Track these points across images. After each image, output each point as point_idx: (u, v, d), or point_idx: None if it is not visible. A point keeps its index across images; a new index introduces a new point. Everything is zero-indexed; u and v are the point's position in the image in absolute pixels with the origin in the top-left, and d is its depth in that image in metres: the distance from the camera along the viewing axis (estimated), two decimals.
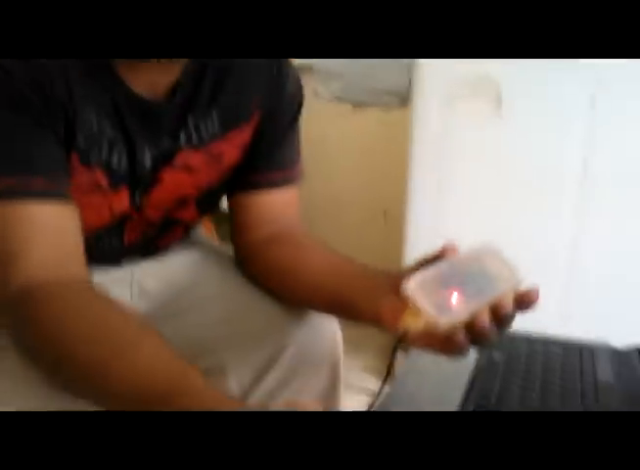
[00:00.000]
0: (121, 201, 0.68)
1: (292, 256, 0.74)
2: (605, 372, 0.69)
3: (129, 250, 0.75)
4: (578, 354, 0.73)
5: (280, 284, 0.74)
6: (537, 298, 0.52)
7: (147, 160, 0.67)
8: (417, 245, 1.29)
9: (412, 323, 0.49)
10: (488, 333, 0.50)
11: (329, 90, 1.57)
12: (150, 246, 0.78)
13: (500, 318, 0.51)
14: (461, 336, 0.50)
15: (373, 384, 1.33)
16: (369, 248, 1.53)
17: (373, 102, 1.54)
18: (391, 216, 1.62)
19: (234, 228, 0.79)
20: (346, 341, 0.80)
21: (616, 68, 1.09)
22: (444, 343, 0.51)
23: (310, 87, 1.58)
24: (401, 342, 0.50)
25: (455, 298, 0.49)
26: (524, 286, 0.52)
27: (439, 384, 0.68)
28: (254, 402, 0.73)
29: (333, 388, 0.77)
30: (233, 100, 0.70)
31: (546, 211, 1.19)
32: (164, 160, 0.69)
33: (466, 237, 0.55)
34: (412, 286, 0.49)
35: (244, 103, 0.71)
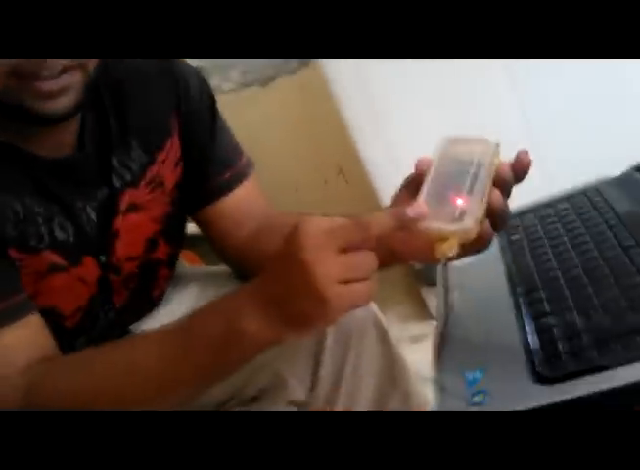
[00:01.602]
0: (89, 270, 0.65)
1: (276, 234, 0.72)
2: (620, 203, 0.68)
3: (127, 314, 0.72)
4: (586, 199, 0.73)
5: None
6: (530, 159, 0.51)
7: (92, 218, 0.64)
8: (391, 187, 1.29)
9: (448, 248, 0.47)
10: (506, 211, 0.50)
11: (230, 81, 1.53)
12: (145, 301, 0.75)
13: (505, 190, 0.50)
14: (487, 228, 0.50)
15: (417, 329, 1.32)
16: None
17: (278, 73, 1.51)
18: (348, 172, 1.60)
19: (214, 243, 0.77)
20: None
21: None
22: (474, 243, 0.50)
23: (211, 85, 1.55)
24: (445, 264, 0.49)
25: (463, 200, 0.48)
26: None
27: (481, 282, 0.67)
28: (323, 395, 0.72)
29: (388, 351, 0.75)
30: (144, 121, 0.68)
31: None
32: (110, 209, 0.66)
33: None
34: (423, 216, 0.47)
35: (155, 119, 0.69)
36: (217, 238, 0.76)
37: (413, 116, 1.23)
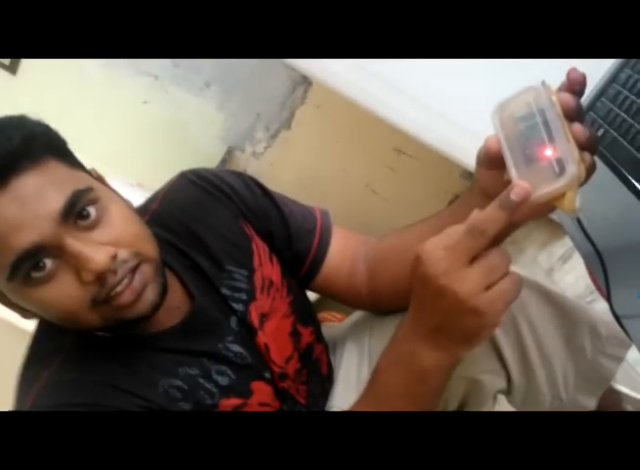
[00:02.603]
0: (263, 391, 0.68)
1: (393, 261, 0.72)
2: None
3: (314, 401, 0.75)
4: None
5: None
6: (581, 73, 0.49)
7: (236, 349, 0.67)
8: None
9: (571, 202, 0.46)
10: (593, 135, 0.47)
11: (260, 141, 1.58)
12: (321, 382, 0.78)
13: (579, 115, 0.48)
14: (588, 159, 0.47)
15: (561, 248, 1.26)
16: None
17: (293, 109, 1.53)
18: (407, 148, 1.58)
19: (337, 298, 0.79)
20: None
21: None
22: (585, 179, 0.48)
23: (246, 154, 1.60)
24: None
25: (552, 151, 0.46)
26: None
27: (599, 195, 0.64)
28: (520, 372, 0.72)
29: (551, 299, 0.73)
30: (224, 244, 0.70)
31: None
32: (248, 331, 0.69)
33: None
34: (533, 192, 0.46)
35: (231, 236, 0.71)
36: (338, 294, 0.78)
37: (427, 71, 1.19)
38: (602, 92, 0.70)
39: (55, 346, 0.62)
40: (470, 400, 0.74)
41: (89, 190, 0.56)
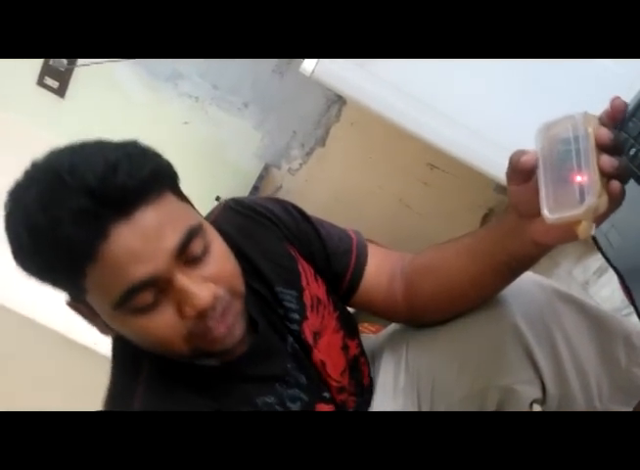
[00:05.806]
0: (327, 409, 0.70)
1: (432, 275, 0.74)
2: None
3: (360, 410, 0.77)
4: None
5: (451, 299, 0.74)
6: (623, 102, 0.51)
7: (297, 373, 0.69)
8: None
9: (585, 230, 0.49)
10: (622, 166, 0.49)
11: (296, 159, 1.62)
12: (362, 392, 0.79)
13: (612, 147, 0.50)
14: (614, 188, 0.49)
15: (597, 262, 1.26)
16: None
17: (327, 126, 1.57)
18: (440, 163, 1.60)
19: (377, 314, 0.80)
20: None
21: None
22: (612, 205, 0.50)
23: (283, 171, 1.65)
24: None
25: (578, 179, 0.48)
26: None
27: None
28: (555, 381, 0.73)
29: (586, 310, 0.74)
30: (275, 267, 0.72)
31: None
32: (305, 350, 0.71)
33: None
34: (553, 213, 0.49)
35: (280, 259, 0.73)
36: (377, 309, 0.80)
37: (458, 87, 1.21)
38: (634, 112, 0.71)
39: (131, 377, 0.63)
40: (505, 410, 0.74)
41: (199, 228, 0.59)
